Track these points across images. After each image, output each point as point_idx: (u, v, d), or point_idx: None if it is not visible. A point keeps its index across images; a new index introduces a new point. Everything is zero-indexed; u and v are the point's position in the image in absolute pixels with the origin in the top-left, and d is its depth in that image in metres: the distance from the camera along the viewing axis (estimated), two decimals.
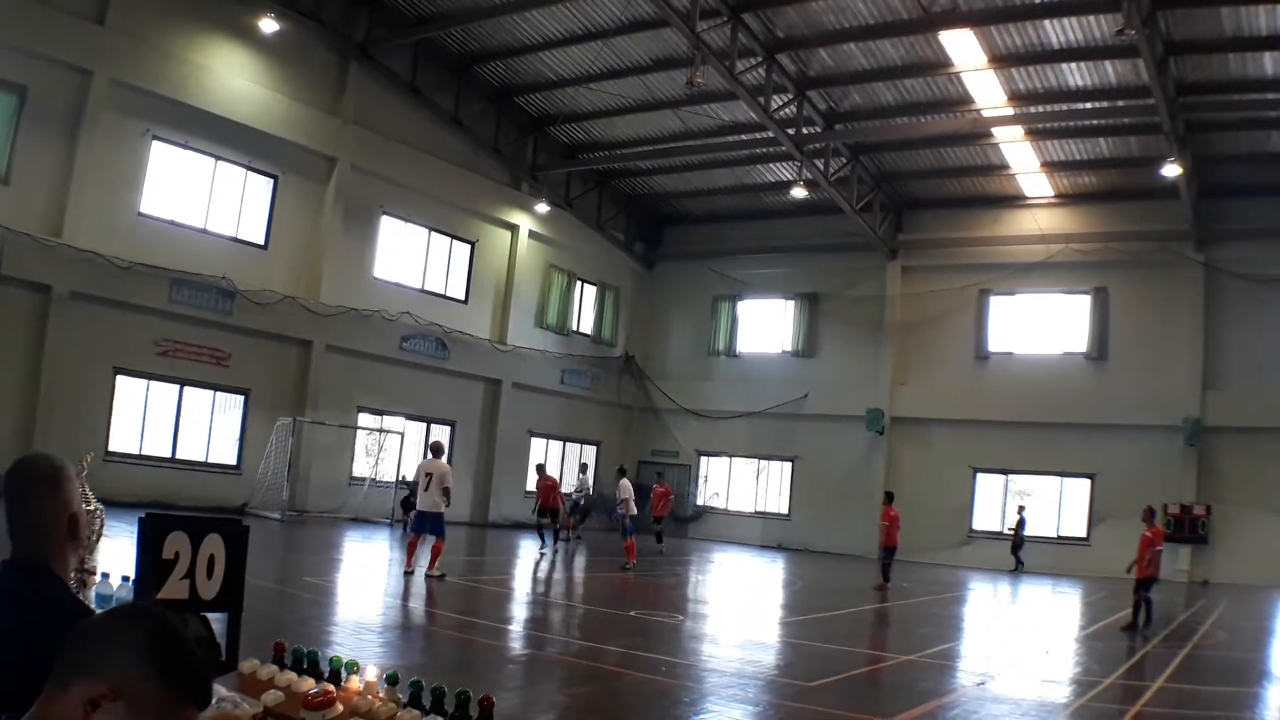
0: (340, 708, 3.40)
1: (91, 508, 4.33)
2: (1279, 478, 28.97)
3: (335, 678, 3.70)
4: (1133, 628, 16.73)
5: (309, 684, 3.58)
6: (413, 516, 17.71)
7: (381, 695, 3.54)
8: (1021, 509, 31.98)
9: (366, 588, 16.27)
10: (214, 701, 3.21)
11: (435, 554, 16.44)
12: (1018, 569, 30.57)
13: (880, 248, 34.92)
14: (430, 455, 17.83)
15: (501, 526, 32.49)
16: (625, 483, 23.79)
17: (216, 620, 3.88)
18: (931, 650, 13.79)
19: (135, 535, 3.78)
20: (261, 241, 27.50)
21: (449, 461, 26.44)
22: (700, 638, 13.80)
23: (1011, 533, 31.45)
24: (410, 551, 16.94)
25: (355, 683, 3.62)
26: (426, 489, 16.71)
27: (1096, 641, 16.06)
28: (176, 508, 20.87)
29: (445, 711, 3.43)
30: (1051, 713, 9.76)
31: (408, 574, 16.49)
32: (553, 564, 23.04)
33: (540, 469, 27.69)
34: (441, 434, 32.00)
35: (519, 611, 15.40)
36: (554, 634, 13.30)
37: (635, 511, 23.12)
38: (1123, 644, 14.95)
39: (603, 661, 11.17)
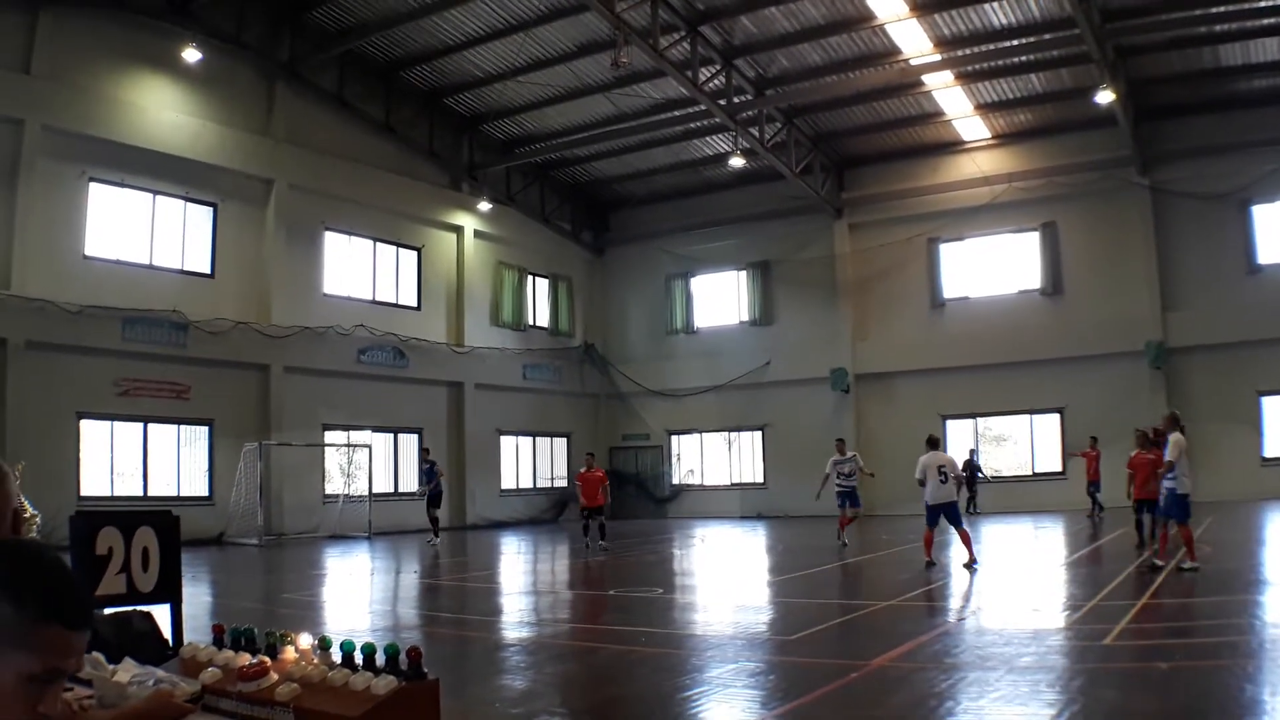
0: (274, 676, 3.47)
1: (27, 514, 4.38)
2: (1247, 390, 29.42)
3: (271, 651, 3.76)
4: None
5: (245, 658, 3.64)
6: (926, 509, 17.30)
7: (315, 660, 3.60)
8: (972, 451, 32.23)
9: (349, 597, 16.26)
10: (151, 683, 3.28)
11: (965, 542, 16.48)
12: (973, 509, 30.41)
13: (825, 208, 35.06)
14: (930, 449, 17.49)
15: (480, 528, 32.49)
16: None
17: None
18: (913, 594, 13.91)
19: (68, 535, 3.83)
20: (208, 270, 27.45)
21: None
22: (681, 608, 13.82)
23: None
24: (927, 545, 17.04)
25: (290, 652, 3.68)
26: (944, 481, 16.84)
27: (1079, 568, 16.22)
28: None
29: (376, 668, 3.50)
30: (1035, 638, 9.71)
31: (929, 565, 16.54)
32: (534, 559, 23.00)
33: (589, 459, 24.52)
34: (409, 442, 32.01)
35: (508, 604, 15.40)
36: (536, 620, 13.27)
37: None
38: (1107, 569, 14.96)
39: (584, 640, 11.24)
